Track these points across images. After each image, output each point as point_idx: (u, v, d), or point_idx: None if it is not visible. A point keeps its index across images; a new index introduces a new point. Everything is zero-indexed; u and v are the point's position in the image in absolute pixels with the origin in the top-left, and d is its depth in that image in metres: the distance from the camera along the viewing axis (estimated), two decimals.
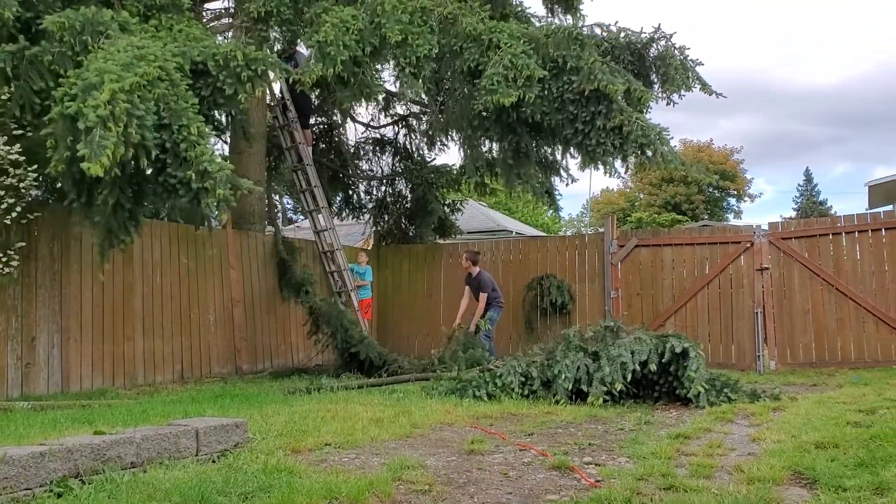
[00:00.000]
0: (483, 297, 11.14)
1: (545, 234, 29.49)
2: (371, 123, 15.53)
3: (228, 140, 12.30)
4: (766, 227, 11.65)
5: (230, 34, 10.65)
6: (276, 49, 11.19)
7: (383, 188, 15.35)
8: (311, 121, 13.94)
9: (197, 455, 4.43)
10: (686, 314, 11.88)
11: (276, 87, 12.66)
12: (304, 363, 11.96)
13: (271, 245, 12.11)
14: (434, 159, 15.30)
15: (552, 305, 12.66)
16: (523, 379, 7.62)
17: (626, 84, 10.08)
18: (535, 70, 9.61)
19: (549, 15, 13.37)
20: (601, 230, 13.67)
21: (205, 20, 11.41)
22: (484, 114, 10.16)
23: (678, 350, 7.17)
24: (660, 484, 4.05)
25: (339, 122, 15.04)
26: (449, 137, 14.14)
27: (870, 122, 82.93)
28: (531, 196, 14.69)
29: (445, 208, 15.23)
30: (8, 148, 7.34)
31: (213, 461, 4.44)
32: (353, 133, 16.28)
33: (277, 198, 16.35)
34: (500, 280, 12.28)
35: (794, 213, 51.47)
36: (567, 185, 27.92)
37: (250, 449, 4.73)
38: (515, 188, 12.77)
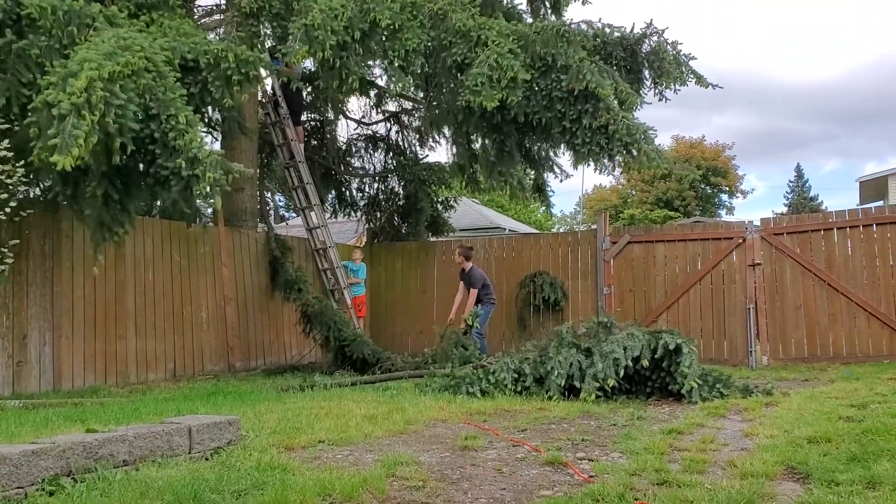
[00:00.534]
0: (473, 292, 11.12)
1: (538, 232, 29.52)
2: (363, 120, 15.51)
3: (220, 137, 12.25)
4: (758, 223, 11.68)
5: (221, 30, 10.61)
6: (267, 47, 11.16)
7: (376, 185, 15.34)
8: (303, 117, 13.91)
9: (190, 453, 4.41)
10: (678, 310, 11.91)
11: (268, 83, 12.62)
12: (297, 361, 11.94)
13: (264, 243, 12.09)
14: (426, 156, 15.32)
15: (545, 302, 12.66)
16: (516, 375, 7.63)
17: (614, 84, 10.07)
18: (520, 71, 9.58)
19: (535, 16, 13.42)
20: (594, 227, 13.70)
21: (196, 17, 11.36)
22: (468, 111, 10.13)
23: (671, 346, 7.19)
24: (653, 479, 4.05)
25: (332, 118, 15.01)
26: (441, 134, 14.14)
27: (860, 118, 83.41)
28: (508, 195, 14.51)
29: (438, 205, 15.22)
30: None
31: (207, 459, 4.43)
32: (345, 130, 16.24)
33: (269, 195, 16.32)
34: (493, 277, 12.29)
35: (785, 209, 51.69)
36: (561, 181, 27.97)
37: (243, 446, 4.72)
38: (495, 187, 12.74)
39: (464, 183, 13.97)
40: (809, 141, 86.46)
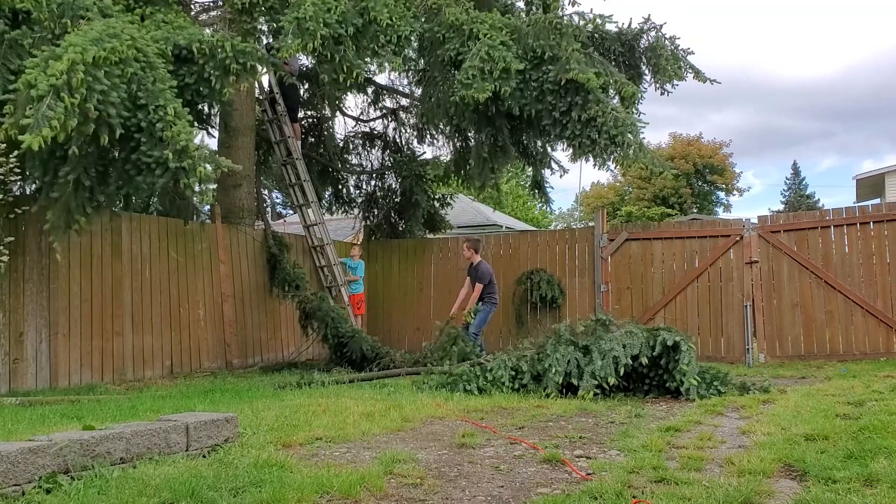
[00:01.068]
0: (478, 288, 10.82)
1: (535, 229, 29.52)
2: (360, 117, 15.49)
3: (217, 134, 12.23)
4: (755, 221, 11.69)
5: (217, 27, 10.58)
6: (264, 43, 11.13)
7: (373, 182, 15.32)
8: (300, 114, 13.89)
9: (187, 450, 4.40)
10: (676, 308, 11.91)
11: (265, 80, 12.60)
12: (295, 357, 11.93)
13: (261, 240, 12.07)
14: (423, 153, 15.31)
15: (542, 300, 12.66)
16: (514, 373, 7.62)
17: (606, 76, 10.02)
18: (512, 62, 9.55)
19: (528, 9, 13.40)
20: (591, 224, 13.68)
21: (193, 13, 11.32)
22: (461, 104, 10.09)
23: (669, 343, 7.19)
24: (651, 477, 4.05)
25: (329, 115, 14.99)
26: (437, 130, 14.12)
27: (857, 116, 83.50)
28: (487, 191, 14.25)
29: (435, 202, 15.20)
30: None
31: (204, 456, 4.42)
32: (342, 127, 16.24)
33: (267, 192, 16.29)
34: None
35: (782, 207, 51.75)
36: (560, 176, 27.94)
37: (241, 444, 4.71)
38: (487, 184, 12.60)
39: (460, 180, 13.95)
40: (807, 138, 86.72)
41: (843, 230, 11.18)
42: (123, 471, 3.91)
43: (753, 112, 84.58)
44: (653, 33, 11.54)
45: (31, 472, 3.60)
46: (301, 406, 6.38)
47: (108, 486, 3.64)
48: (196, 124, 10.98)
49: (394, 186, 15.04)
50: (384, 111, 15.47)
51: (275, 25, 10.55)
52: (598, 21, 11.19)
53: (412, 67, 12.53)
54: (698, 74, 11.55)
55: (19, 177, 7.47)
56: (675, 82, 11.51)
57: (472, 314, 10.62)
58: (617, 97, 10.83)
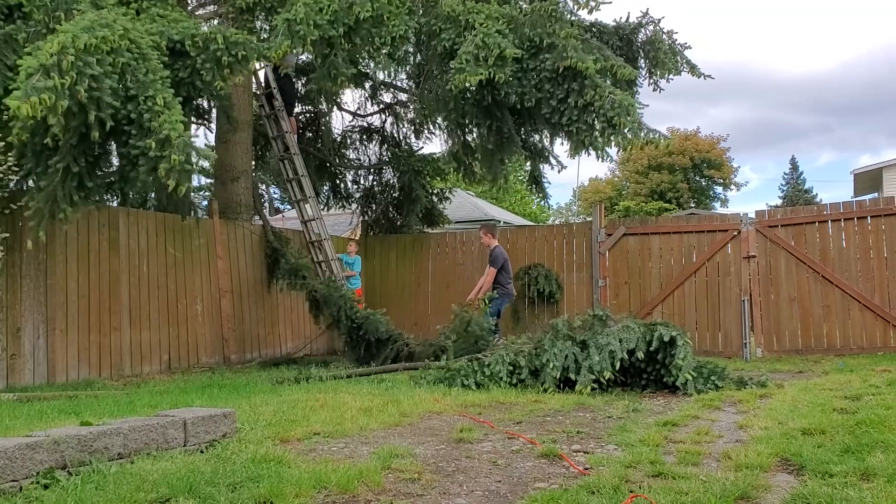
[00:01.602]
0: (491, 272, 10.48)
1: (533, 224, 29.51)
2: (358, 112, 15.47)
3: (214, 129, 12.21)
4: (752, 216, 11.70)
5: (216, 23, 10.55)
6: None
7: (370, 177, 15.30)
8: (297, 109, 13.86)
9: (185, 446, 4.40)
10: (673, 302, 11.93)
11: (262, 74, 12.58)
12: (297, 351, 11.93)
13: (259, 235, 12.06)
14: (421, 148, 15.29)
15: (540, 295, 12.67)
16: (511, 368, 7.63)
17: (603, 61, 9.93)
18: (508, 49, 9.49)
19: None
20: (589, 219, 13.68)
21: (190, 8, 11.29)
22: (460, 96, 10.04)
23: (666, 338, 7.19)
24: (648, 471, 4.06)
25: (326, 110, 14.96)
26: (435, 125, 14.09)
27: (855, 110, 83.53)
28: (490, 183, 14.10)
29: (433, 197, 15.19)
30: None
31: (202, 452, 4.42)
32: (339, 121, 16.19)
33: (264, 187, 16.26)
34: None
35: (779, 202, 51.74)
36: (559, 171, 27.91)
37: (239, 439, 4.71)
38: (499, 176, 12.52)
39: (460, 174, 13.92)
40: (804, 133, 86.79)
41: (841, 225, 11.20)
42: (121, 466, 3.91)
43: (751, 107, 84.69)
44: (651, 27, 11.53)
45: (28, 467, 3.60)
46: (299, 401, 6.38)
47: (105, 482, 3.63)
48: (194, 120, 10.99)
49: (392, 181, 15.03)
50: (382, 106, 15.44)
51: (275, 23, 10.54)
52: (592, 3, 11.01)
53: (409, 62, 12.49)
54: (694, 69, 11.54)
55: (17, 175, 7.46)
56: (670, 77, 11.50)
57: (485, 301, 10.31)
58: (611, 80, 10.67)
